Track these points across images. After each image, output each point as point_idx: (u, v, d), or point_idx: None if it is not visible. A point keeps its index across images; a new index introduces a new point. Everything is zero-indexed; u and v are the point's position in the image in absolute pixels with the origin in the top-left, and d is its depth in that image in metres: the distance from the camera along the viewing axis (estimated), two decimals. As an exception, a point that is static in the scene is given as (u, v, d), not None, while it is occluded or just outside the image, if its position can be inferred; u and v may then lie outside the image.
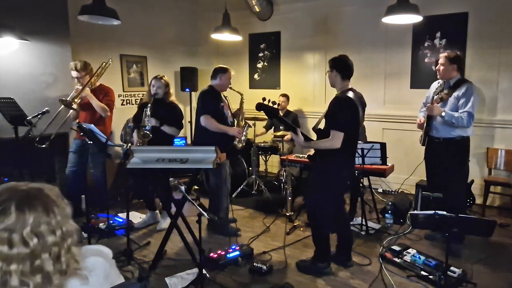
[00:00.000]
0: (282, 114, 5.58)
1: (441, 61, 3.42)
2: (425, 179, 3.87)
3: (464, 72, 4.60)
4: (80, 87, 3.79)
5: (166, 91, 3.78)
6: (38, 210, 1.02)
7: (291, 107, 5.75)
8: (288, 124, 2.93)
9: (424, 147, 3.68)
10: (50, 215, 1.03)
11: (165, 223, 3.92)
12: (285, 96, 5.63)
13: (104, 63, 3.90)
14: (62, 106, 3.66)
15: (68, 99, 3.64)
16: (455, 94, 3.34)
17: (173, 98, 3.88)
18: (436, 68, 3.51)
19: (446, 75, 3.41)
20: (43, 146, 3.70)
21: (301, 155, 4.65)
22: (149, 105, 3.61)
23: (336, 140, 2.76)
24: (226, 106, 3.80)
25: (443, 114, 3.29)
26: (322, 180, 2.96)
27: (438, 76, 3.51)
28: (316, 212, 3.05)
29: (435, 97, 3.44)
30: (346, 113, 2.81)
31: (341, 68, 2.92)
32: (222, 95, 3.83)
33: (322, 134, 2.88)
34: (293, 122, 5.58)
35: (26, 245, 0.98)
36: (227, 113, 3.80)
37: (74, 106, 3.65)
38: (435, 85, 3.62)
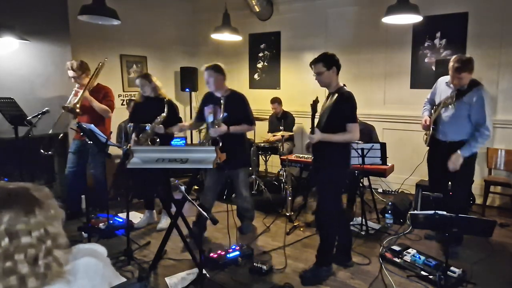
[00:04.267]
0: (279, 117, 5.59)
1: (461, 75, 3.14)
2: (425, 179, 3.85)
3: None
4: (79, 89, 3.79)
5: (154, 86, 3.78)
6: (16, 209, 0.99)
7: (291, 107, 5.74)
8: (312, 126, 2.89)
9: (425, 148, 3.66)
10: (29, 215, 1.00)
11: (165, 223, 3.92)
12: (276, 101, 5.61)
13: (100, 63, 3.88)
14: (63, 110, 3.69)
15: (70, 105, 3.64)
16: (465, 99, 3.19)
17: (163, 91, 3.86)
18: (455, 83, 3.22)
19: (465, 83, 3.22)
20: (49, 152, 3.73)
21: (301, 155, 4.65)
22: (163, 114, 3.59)
23: (355, 132, 2.83)
24: (208, 111, 3.53)
25: (463, 157, 3.20)
26: (330, 179, 2.93)
27: (454, 86, 3.27)
28: (327, 212, 2.97)
29: (441, 107, 3.32)
30: (355, 106, 2.86)
31: (337, 64, 2.91)
32: (213, 97, 3.54)
33: (328, 132, 2.85)
34: (291, 124, 5.57)
35: None
36: (208, 118, 3.54)
37: (78, 110, 3.66)
38: (444, 87, 3.44)
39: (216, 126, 3.34)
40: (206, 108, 3.57)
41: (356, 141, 3.87)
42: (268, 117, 5.87)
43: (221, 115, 3.31)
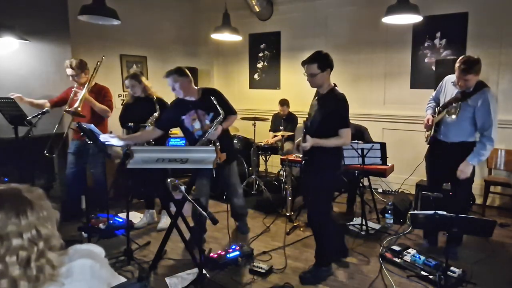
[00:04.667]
0: (284, 118, 5.53)
1: (467, 77, 3.05)
2: (425, 178, 3.84)
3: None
4: (77, 89, 3.78)
5: (145, 87, 3.77)
6: (6, 211, 0.98)
7: (291, 107, 5.73)
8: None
9: (425, 148, 3.65)
10: (20, 216, 0.99)
11: (165, 223, 3.92)
12: (285, 103, 5.53)
13: (98, 62, 3.85)
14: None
15: (72, 109, 3.63)
16: (470, 101, 3.15)
17: (152, 90, 3.84)
18: (461, 84, 3.12)
19: (471, 85, 3.14)
20: (54, 155, 3.77)
21: (301, 155, 4.63)
22: (155, 114, 3.58)
23: (348, 137, 2.77)
24: (191, 118, 3.34)
25: (472, 165, 3.18)
26: (324, 181, 2.89)
27: (459, 87, 3.19)
28: (322, 214, 2.95)
29: (445, 113, 3.26)
30: (347, 109, 2.79)
31: (331, 65, 2.79)
32: (186, 102, 3.33)
33: (320, 134, 2.78)
34: (294, 125, 5.55)
35: None
36: (193, 126, 3.35)
37: (81, 113, 3.66)
38: (450, 86, 3.34)
39: (213, 129, 3.16)
40: (185, 117, 3.33)
41: (356, 141, 3.89)
42: (267, 117, 5.85)
43: (220, 115, 3.16)
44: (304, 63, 2.79)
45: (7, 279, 0.95)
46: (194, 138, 3.37)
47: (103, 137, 3.05)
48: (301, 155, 3.06)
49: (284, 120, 5.42)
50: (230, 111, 3.39)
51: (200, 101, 3.31)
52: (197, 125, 3.35)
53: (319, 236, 3.03)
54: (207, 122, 3.29)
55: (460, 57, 3.13)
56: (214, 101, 3.13)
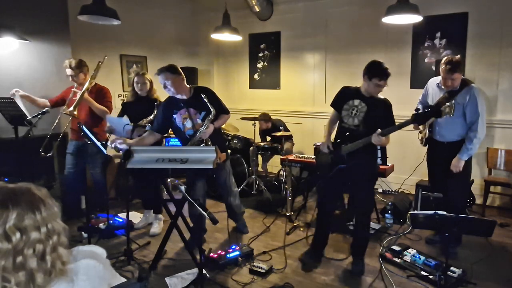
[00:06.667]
0: (271, 128, 5.35)
1: (454, 76, 3.17)
2: (425, 179, 3.85)
3: (465, 73, 4.61)
4: (77, 89, 3.77)
5: (151, 88, 3.78)
6: (23, 205, 1.02)
7: (291, 107, 5.74)
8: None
9: (424, 147, 3.66)
10: (35, 211, 1.03)
11: (157, 227, 3.93)
12: (263, 119, 5.37)
13: (100, 62, 3.83)
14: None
15: (67, 112, 3.62)
16: (458, 99, 3.22)
17: (157, 94, 3.84)
18: (449, 84, 3.23)
19: (458, 84, 3.26)
20: (49, 154, 3.75)
21: (301, 155, 4.64)
22: (150, 117, 3.58)
23: None
24: (182, 117, 3.28)
25: (463, 160, 3.27)
26: (375, 171, 3.21)
27: (446, 88, 3.30)
28: (371, 202, 3.25)
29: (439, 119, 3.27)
30: None
31: None
32: (178, 101, 3.26)
33: (373, 131, 2.97)
34: (285, 126, 5.46)
35: (8, 240, 0.97)
36: (184, 125, 3.28)
37: (76, 116, 3.65)
38: (435, 88, 3.46)
39: (204, 128, 3.13)
40: (176, 116, 3.27)
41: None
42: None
43: (211, 114, 3.12)
44: (388, 76, 3.03)
45: (25, 271, 0.98)
46: (185, 138, 3.31)
47: (110, 141, 3.03)
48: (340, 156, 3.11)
49: (274, 130, 5.23)
50: (222, 110, 3.35)
51: (191, 100, 3.25)
52: (188, 124, 3.28)
53: (366, 226, 3.19)
54: (199, 121, 3.24)
55: (444, 59, 3.23)
56: (205, 99, 3.09)
